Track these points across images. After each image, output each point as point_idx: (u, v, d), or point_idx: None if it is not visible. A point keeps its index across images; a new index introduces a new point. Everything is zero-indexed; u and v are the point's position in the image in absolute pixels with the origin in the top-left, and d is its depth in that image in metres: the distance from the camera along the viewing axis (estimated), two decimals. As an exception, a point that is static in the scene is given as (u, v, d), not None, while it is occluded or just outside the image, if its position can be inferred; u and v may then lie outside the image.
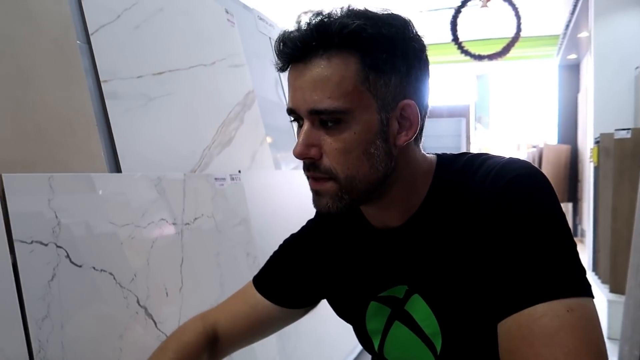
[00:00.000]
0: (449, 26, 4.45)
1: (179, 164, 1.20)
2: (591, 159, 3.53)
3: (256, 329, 0.85)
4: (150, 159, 1.12)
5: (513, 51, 4.61)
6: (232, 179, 1.34)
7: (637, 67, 3.64)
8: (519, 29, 4.33)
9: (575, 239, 0.67)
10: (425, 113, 0.67)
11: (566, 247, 0.56)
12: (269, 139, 1.65)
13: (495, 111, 9.17)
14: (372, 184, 0.64)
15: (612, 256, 2.90)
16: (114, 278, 0.91)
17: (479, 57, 4.64)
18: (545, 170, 5.66)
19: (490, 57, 4.60)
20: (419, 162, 0.69)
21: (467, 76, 8.78)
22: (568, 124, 6.62)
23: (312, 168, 0.63)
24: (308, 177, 0.66)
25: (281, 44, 0.62)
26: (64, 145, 0.92)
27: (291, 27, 0.63)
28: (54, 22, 0.95)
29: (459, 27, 4.43)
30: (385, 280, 0.72)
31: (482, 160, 0.66)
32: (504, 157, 0.65)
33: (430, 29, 5.94)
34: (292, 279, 0.82)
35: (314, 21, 0.60)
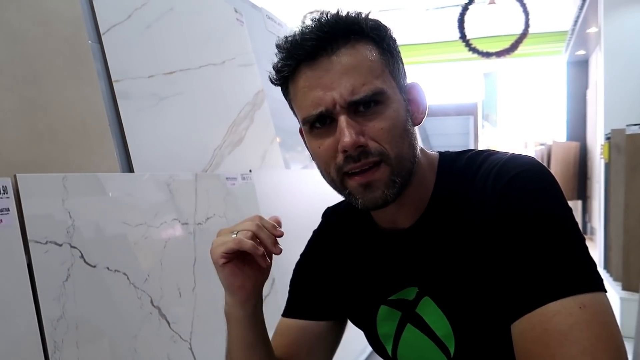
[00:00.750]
0: (456, 24, 4.43)
1: (190, 164, 1.19)
2: (602, 156, 3.50)
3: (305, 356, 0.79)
4: (162, 159, 1.12)
5: (521, 48, 4.59)
6: (243, 178, 1.34)
7: (647, 62, 3.60)
8: (527, 25, 4.30)
9: (585, 237, 0.65)
10: None
11: (575, 241, 0.55)
12: (278, 139, 1.65)
13: (503, 109, 9.12)
14: (413, 162, 0.64)
15: (624, 253, 2.87)
16: (128, 278, 0.91)
17: (487, 55, 4.61)
18: (554, 168, 5.61)
19: (498, 54, 4.58)
20: (424, 153, 0.69)
21: (474, 74, 8.73)
22: (576, 120, 6.57)
23: (363, 156, 0.60)
24: (351, 174, 0.62)
25: (298, 38, 0.61)
26: (77, 145, 0.92)
27: (296, 28, 0.63)
28: (66, 22, 0.95)
29: (466, 25, 4.40)
30: (394, 283, 0.70)
31: (485, 156, 0.65)
32: (507, 153, 0.64)
33: (437, 27, 5.93)
34: (314, 291, 0.80)
35: (324, 18, 0.61)
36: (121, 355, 0.87)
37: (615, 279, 3.08)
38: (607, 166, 3.32)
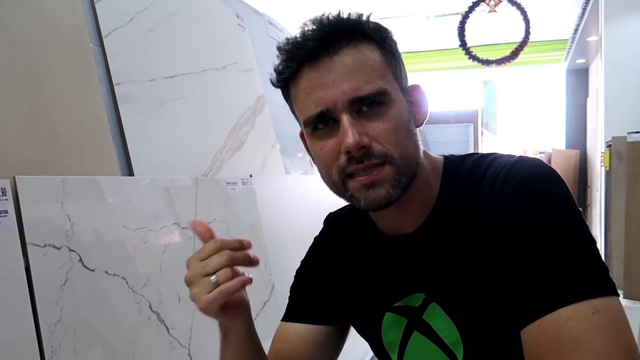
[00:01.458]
0: (456, 32, 4.44)
1: (190, 168, 1.19)
2: (602, 163, 3.49)
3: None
4: (162, 163, 1.11)
5: (520, 56, 4.59)
6: (244, 183, 1.33)
7: (647, 70, 3.61)
8: (527, 34, 4.31)
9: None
10: None
11: (586, 245, 0.54)
12: (278, 145, 1.64)
13: (503, 117, 9.12)
14: (417, 163, 0.63)
15: (625, 261, 2.85)
16: (127, 283, 0.90)
17: (487, 62, 4.62)
18: (555, 175, 5.60)
19: (499, 62, 4.58)
20: (428, 156, 0.68)
21: (474, 82, 8.75)
22: (576, 128, 6.57)
23: (367, 157, 0.60)
24: (354, 175, 0.61)
25: (299, 39, 0.60)
26: (77, 148, 0.91)
27: (295, 33, 0.62)
28: (68, 24, 0.95)
29: (466, 33, 4.42)
30: (400, 289, 0.69)
31: (491, 160, 0.65)
32: (514, 157, 0.63)
33: (438, 35, 5.94)
34: (315, 295, 0.78)
35: (325, 19, 0.61)
36: (119, 361, 0.85)
37: (617, 288, 3.06)
38: (608, 174, 3.31)
